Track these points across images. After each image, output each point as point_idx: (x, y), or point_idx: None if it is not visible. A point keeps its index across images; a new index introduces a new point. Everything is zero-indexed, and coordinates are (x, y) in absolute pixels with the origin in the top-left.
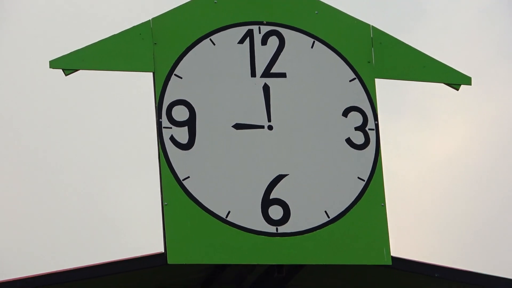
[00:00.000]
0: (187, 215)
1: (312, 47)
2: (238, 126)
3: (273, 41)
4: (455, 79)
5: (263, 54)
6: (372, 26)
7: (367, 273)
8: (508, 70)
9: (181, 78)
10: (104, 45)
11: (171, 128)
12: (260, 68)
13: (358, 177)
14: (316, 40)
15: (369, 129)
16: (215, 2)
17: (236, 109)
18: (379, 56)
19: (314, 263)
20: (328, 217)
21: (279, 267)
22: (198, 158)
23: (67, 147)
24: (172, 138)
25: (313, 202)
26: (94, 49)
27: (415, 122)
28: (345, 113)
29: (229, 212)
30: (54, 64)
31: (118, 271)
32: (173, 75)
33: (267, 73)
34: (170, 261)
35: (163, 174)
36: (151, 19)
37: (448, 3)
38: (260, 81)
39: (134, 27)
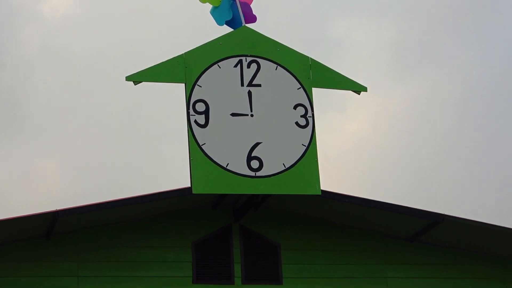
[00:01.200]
0: (204, 165)
1: (276, 69)
2: (234, 115)
3: (254, 66)
4: (358, 88)
5: (248, 73)
6: (310, 58)
7: (308, 199)
8: (390, 84)
9: (201, 87)
10: (158, 67)
11: (194, 115)
12: (246, 81)
13: (302, 144)
14: (278, 65)
15: (309, 116)
16: (220, 44)
17: (232, 104)
18: (314, 75)
19: (275, 193)
20: (285, 166)
21: (256, 195)
22: (210, 132)
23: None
24: (195, 121)
25: (276, 158)
26: (152, 70)
27: (335, 113)
28: (295, 107)
29: (227, 163)
30: (128, 78)
31: (165, 197)
32: (196, 85)
33: (250, 84)
34: (194, 191)
35: (190, 141)
36: (184, 53)
37: (355, 42)
38: (246, 89)
39: (174, 57)
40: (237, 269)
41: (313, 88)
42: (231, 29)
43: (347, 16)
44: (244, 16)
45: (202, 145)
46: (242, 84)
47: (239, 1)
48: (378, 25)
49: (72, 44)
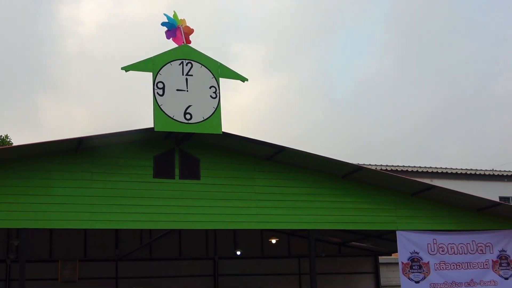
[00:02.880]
0: (161, 116)
1: (201, 67)
2: (178, 90)
3: (189, 65)
4: (242, 78)
5: (186, 68)
6: (219, 62)
7: (216, 136)
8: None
9: (161, 74)
10: (139, 63)
11: (157, 89)
12: (185, 72)
13: (213, 107)
14: (202, 65)
15: (217, 92)
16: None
17: (177, 84)
18: (221, 71)
19: (198, 131)
20: (203, 118)
21: (189, 133)
22: (165, 99)
23: None
24: (157, 93)
25: (199, 114)
26: (135, 64)
27: (231, 91)
28: (210, 87)
29: (174, 115)
30: (123, 68)
31: (143, 131)
32: (158, 73)
33: (187, 74)
34: (156, 129)
35: (154, 103)
36: (152, 56)
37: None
38: (184, 77)
39: (147, 58)
40: (177, 171)
41: (220, 78)
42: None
43: (242, 40)
44: (184, 36)
45: (160, 105)
46: (183, 74)
47: (183, 30)
48: (254, 47)
49: None
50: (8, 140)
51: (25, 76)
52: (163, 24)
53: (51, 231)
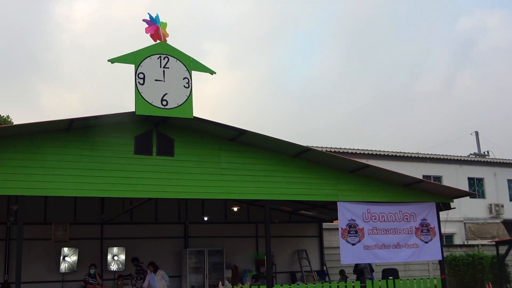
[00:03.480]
0: (141, 102)
1: (176, 61)
2: (156, 80)
3: (166, 59)
4: (211, 71)
5: (163, 62)
6: (191, 57)
7: (188, 120)
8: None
9: (142, 66)
10: (123, 56)
11: (138, 79)
12: (162, 65)
13: (186, 95)
14: (177, 59)
15: (190, 83)
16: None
17: (155, 75)
18: (193, 65)
19: (173, 116)
20: (177, 104)
21: (165, 116)
22: (145, 87)
23: None
24: (138, 82)
25: (174, 101)
26: (120, 57)
27: (202, 82)
28: (183, 79)
29: (152, 101)
30: (109, 60)
31: (126, 114)
32: (139, 65)
33: (164, 67)
34: (136, 113)
35: (136, 90)
36: (134, 51)
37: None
38: (162, 69)
39: (130, 52)
40: (154, 149)
41: (192, 71)
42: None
43: (212, 39)
44: (163, 35)
45: (141, 92)
46: (160, 66)
47: (161, 32)
48: (221, 45)
49: None
50: (9, 120)
51: (25, 66)
52: (144, 20)
53: (45, 198)
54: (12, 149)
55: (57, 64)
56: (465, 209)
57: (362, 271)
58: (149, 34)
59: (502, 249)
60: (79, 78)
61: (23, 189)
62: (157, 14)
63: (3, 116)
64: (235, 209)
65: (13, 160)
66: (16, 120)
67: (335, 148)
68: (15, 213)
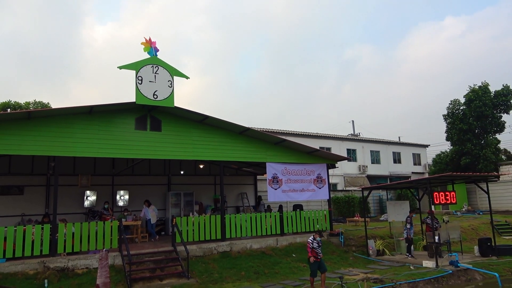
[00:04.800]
0: (140, 95)
1: (164, 68)
2: (150, 81)
3: (156, 67)
4: (185, 76)
5: (154, 69)
6: (173, 66)
7: (172, 108)
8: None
9: (140, 72)
10: (128, 65)
11: (140, 78)
12: (154, 72)
13: (170, 92)
14: (164, 68)
15: (172, 83)
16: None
17: (150, 78)
18: (174, 72)
19: (161, 105)
20: (164, 97)
21: (156, 105)
22: (143, 86)
23: None
24: (138, 83)
25: (162, 94)
26: (127, 65)
27: (180, 84)
28: (168, 81)
29: (147, 95)
30: (118, 66)
31: (128, 102)
32: (139, 71)
33: (155, 73)
34: (137, 102)
35: (136, 89)
36: (136, 61)
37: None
38: (154, 74)
39: (132, 63)
40: (148, 127)
41: (174, 76)
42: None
43: (188, 53)
44: (155, 52)
45: (140, 89)
46: (153, 72)
47: (154, 48)
48: (194, 58)
49: None
50: (49, 105)
51: (60, 69)
52: (148, 52)
53: (74, 158)
54: (51, 125)
55: (83, 69)
56: (344, 168)
57: (269, 207)
58: (147, 52)
59: (366, 193)
60: (97, 80)
61: (58, 151)
62: (144, 45)
63: (45, 102)
64: (201, 166)
65: (52, 132)
66: (54, 106)
67: (267, 128)
68: (53, 168)
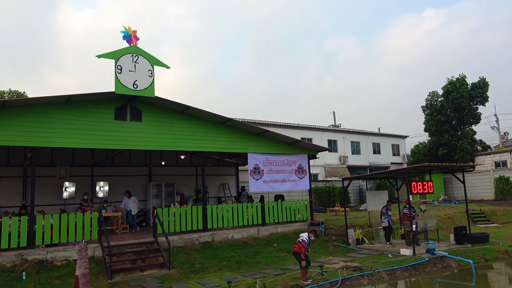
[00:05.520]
0: (120, 85)
1: (144, 58)
2: (129, 71)
3: (136, 56)
4: (166, 66)
5: (134, 58)
6: (153, 56)
7: (152, 98)
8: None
9: (120, 61)
10: (107, 54)
11: (119, 68)
12: (133, 61)
13: (150, 82)
14: (144, 57)
15: (152, 73)
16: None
17: (129, 67)
18: (154, 61)
19: (141, 95)
20: (144, 87)
21: (135, 95)
22: (122, 76)
23: None
24: (117, 72)
25: (142, 84)
26: (106, 54)
27: (161, 72)
28: (148, 71)
29: (127, 85)
30: (97, 55)
31: (107, 93)
32: (118, 60)
33: (135, 62)
34: (116, 92)
35: (115, 78)
36: (115, 50)
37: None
38: (133, 63)
39: (111, 51)
40: (128, 117)
41: (154, 66)
42: (128, 45)
43: (169, 43)
44: (134, 40)
45: (119, 79)
46: (133, 62)
47: (133, 38)
48: (175, 48)
49: None
50: (25, 94)
51: (35, 58)
52: (122, 31)
53: (52, 148)
54: (28, 115)
55: (60, 57)
56: (325, 158)
57: (251, 197)
58: (125, 40)
59: (346, 183)
60: (75, 67)
61: (36, 142)
62: (125, 27)
63: (21, 91)
64: (183, 157)
65: (29, 122)
66: (31, 96)
67: (248, 119)
68: (30, 159)
